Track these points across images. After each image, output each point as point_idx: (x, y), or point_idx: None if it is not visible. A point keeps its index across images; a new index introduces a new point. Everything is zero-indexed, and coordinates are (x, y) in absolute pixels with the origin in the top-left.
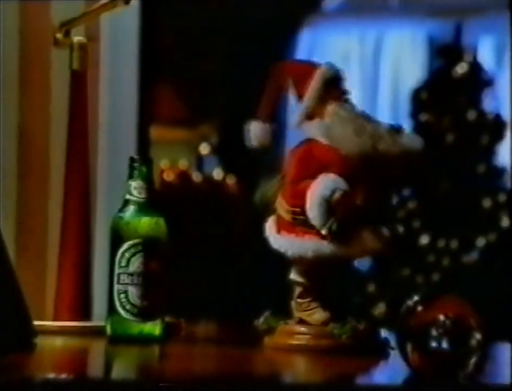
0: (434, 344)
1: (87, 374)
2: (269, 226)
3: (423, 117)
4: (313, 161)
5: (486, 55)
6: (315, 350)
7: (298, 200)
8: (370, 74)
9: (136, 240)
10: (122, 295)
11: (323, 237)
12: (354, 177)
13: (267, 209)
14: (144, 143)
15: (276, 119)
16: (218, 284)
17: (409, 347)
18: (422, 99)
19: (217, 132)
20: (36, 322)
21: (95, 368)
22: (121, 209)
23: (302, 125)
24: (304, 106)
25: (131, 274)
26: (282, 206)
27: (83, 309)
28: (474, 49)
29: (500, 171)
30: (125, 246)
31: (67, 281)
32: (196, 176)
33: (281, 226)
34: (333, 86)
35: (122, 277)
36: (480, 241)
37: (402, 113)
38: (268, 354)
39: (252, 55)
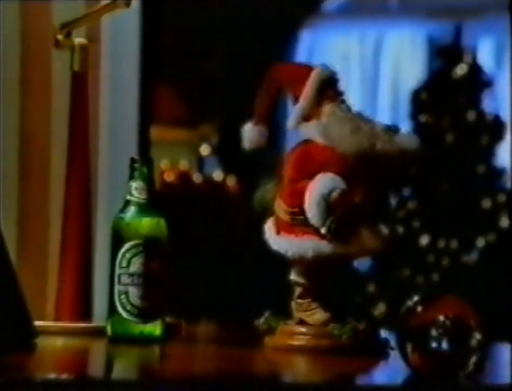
0: (434, 344)
1: (88, 374)
2: (269, 228)
3: (423, 118)
4: (310, 161)
5: (485, 55)
6: (315, 350)
7: (296, 200)
8: (370, 75)
9: (137, 241)
10: (122, 296)
11: (322, 237)
12: (352, 177)
13: (266, 212)
14: (144, 143)
15: (274, 121)
16: (218, 285)
17: (409, 347)
18: (422, 100)
19: (217, 133)
20: (36, 323)
21: (95, 368)
22: (122, 210)
23: (299, 126)
24: (300, 107)
25: (132, 275)
26: (280, 207)
27: (83, 309)
28: (474, 49)
29: (499, 172)
30: (126, 246)
31: (68, 282)
32: (196, 177)
33: (280, 227)
34: (329, 87)
35: (122, 277)
36: (480, 242)
37: (402, 114)
38: (268, 355)
39: (252, 55)
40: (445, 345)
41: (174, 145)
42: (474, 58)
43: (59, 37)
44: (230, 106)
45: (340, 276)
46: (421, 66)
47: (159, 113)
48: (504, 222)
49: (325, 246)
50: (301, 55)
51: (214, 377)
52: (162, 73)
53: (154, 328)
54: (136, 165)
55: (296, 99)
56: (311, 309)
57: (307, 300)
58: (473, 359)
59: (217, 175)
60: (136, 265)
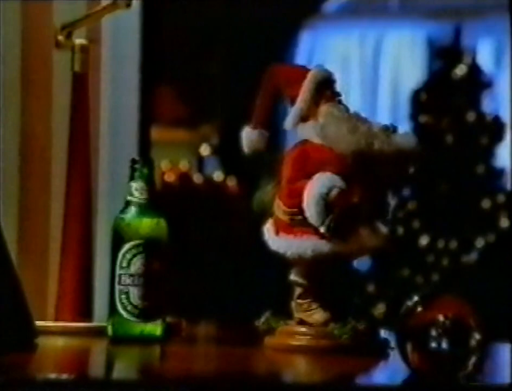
0: (433, 344)
1: (88, 374)
2: (268, 229)
3: (423, 118)
4: (308, 161)
5: (485, 56)
6: (315, 350)
7: (295, 200)
8: (369, 76)
9: (137, 241)
10: (123, 296)
11: (322, 236)
12: (350, 176)
13: (266, 212)
14: (145, 144)
15: (272, 124)
16: (219, 285)
17: (408, 347)
18: (421, 101)
19: (217, 134)
20: (37, 323)
21: (96, 368)
22: (123, 210)
23: (296, 127)
24: (297, 108)
25: (132, 275)
26: (279, 208)
27: (84, 309)
28: (474, 50)
29: (499, 172)
30: (126, 247)
31: (69, 282)
32: (197, 178)
33: (280, 228)
34: (326, 88)
35: (123, 277)
36: (479, 242)
37: (401, 115)
38: (268, 355)
39: (252, 56)
40: (444, 345)
41: (175, 146)
42: (473, 59)
43: (60, 37)
44: (230, 107)
45: (340, 276)
46: (420, 67)
47: (160, 113)
48: (503, 222)
49: (324, 246)
50: (301, 56)
51: (214, 377)
52: (162, 73)
53: (155, 328)
54: (136, 165)
55: (293, 100)
56: (311, 309)
57: (307, 300)
58: (473, 359)
59: (217, 175)
60: (136, 265)
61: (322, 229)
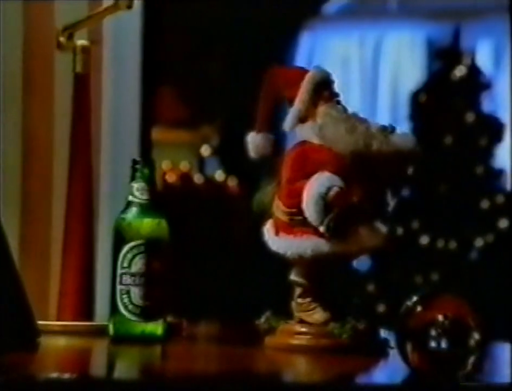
0: (433, 344)
1: (90, 373)
2: (268, 229)
3: (422, 119)
4: (307, 161)
5: (484, 57)
6: (315, 350)
7: (294, 200)
8: (369, 77)
9: (138, 241)
10: (124, 295)
11: (321, 236)
12: (349, 175)
13: (266, 213)
14: (146, 145)
15: (275, 127)
16: (219, 285)
17: (408, 347)
18: (421, 101)
19: (218, 134)
20: (39, 322)
21: (97, 367)
22: (124, 211)
23: (295, 128)
24: (296, 109)
25: (133, 275)
26: (279, 208)
27: (86, 309)
28: (473, 51)
29: (498, 173)
30: (127, 247)
31: (70, 281)
32: (198, 178)
33: (279, 228)
34: (324, 89)
35: (124, 277)
36: (479, 242)
37: (401, 115)
38: (269, 354)
39: (253, 57)
40: (444, 344)
41: (176, 147)
42: (473, 60)
43: (62, 39)
44: (231, 108)
45: (340, 276)
46: (420, 68)
47: (161, 114)
48: (502, 223)
49: (324, 245)
50: (301, 57)
51: (215, 376)
52: (163, 74)
53: (156, 327)
54: (138, 166)
55: (292, 102)
56: (311, 309)
57: (307, 300)
58: (472, 359)
59: (218, 175)
60: (138, 265)
61: (321, 229)
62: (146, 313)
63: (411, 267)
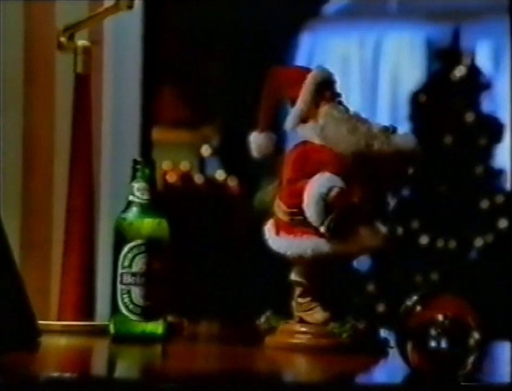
0: (433, 343)
1: (91, 373)
2: (268, 229)
3: (422, 119)
4: (308, 161)
5: (484, 58)
6: (315, 349)
7: (295, 200)
8: (369, 77)
9: (139, 241)
10: (125, 295)
11: (322, 236)
12: (350, 176)
13: (266, 213)
14: (146, 145)
15: (277, 127)
16: (220, 285)
17: (408, 347)
18: (420, 102)
19: (218, 134)
20: (40, 322)
21: (98, 367)
22: (124, 210)
23: (296, 128)
24: (298, 109)
25: (134, 274)
26: (280, 208)
27: (86, 308)
28: (473, 52)
29: (498, 173)
30: (128, 246)
31: (71, 281)
32: (198, 178)
33: (280, 228)
34: (326, 89)
35: (125, 277)
36: (478, 242)
37: (400, 116)
38: (269, 353)
39: (253, 58)
40: (443, 344)
41: (176, 146)
42: (472, 61)
43: (62, 39)
44: (231, 108)
45: (340, 276)
46: (420, 68)
47: (161, 114)
48: (502, 223)
49: (324, 245)
50: (301, 57)
51: (216, 376)
52: (164, 74)
53: (157, 327)
54: (138, 166)
55: (294, 101)
56: (311, 309)
57: (307, 300)
58: (472, 358)
59: (219, 175)
60: (138, 265)
61: (322, 229)
62: (147, 313)
63: (411, 267)
